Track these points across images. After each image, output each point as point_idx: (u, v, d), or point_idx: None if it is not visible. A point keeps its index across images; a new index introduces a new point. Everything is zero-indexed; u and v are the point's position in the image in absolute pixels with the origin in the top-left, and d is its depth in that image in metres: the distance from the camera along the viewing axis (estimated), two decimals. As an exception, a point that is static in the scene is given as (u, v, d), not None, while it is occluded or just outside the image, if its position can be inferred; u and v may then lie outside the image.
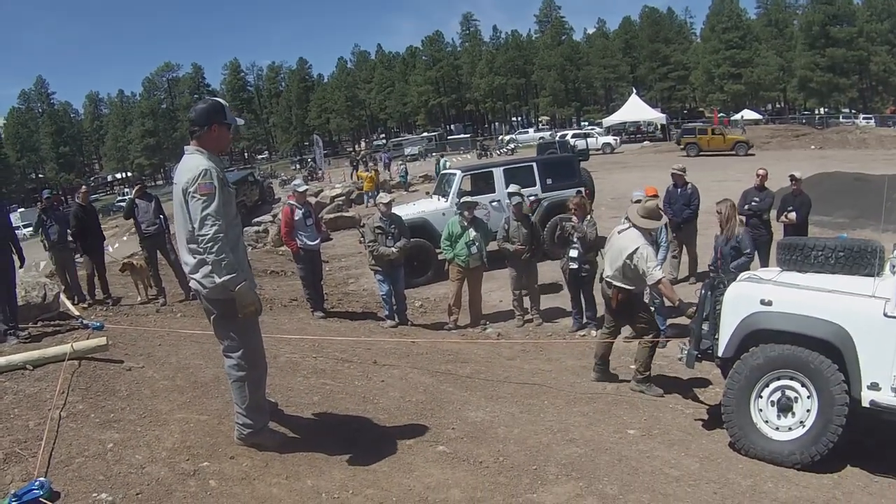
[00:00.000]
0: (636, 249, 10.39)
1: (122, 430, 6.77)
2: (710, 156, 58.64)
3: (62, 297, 13.98)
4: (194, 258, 6.36)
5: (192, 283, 6.56)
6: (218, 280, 6.20)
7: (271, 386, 7.66)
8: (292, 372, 9.61)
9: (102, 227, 18.16)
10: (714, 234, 14.16)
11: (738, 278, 9.62)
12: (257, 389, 6.73)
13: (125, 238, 28.03)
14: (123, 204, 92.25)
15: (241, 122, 7.34)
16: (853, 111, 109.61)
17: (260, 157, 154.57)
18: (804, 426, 8.16)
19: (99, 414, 7.12)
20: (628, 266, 10.52)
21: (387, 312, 15.45)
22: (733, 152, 61.07)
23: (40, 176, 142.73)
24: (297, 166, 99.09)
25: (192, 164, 6.29)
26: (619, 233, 11.00)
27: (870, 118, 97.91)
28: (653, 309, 12.73)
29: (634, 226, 10.77)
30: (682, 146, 64.74)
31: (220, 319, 6.55)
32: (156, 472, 6.07)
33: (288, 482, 6.25)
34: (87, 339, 9.33)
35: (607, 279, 10.99)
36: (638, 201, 13.04)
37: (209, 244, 6.10)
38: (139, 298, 16.71)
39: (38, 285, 13.00)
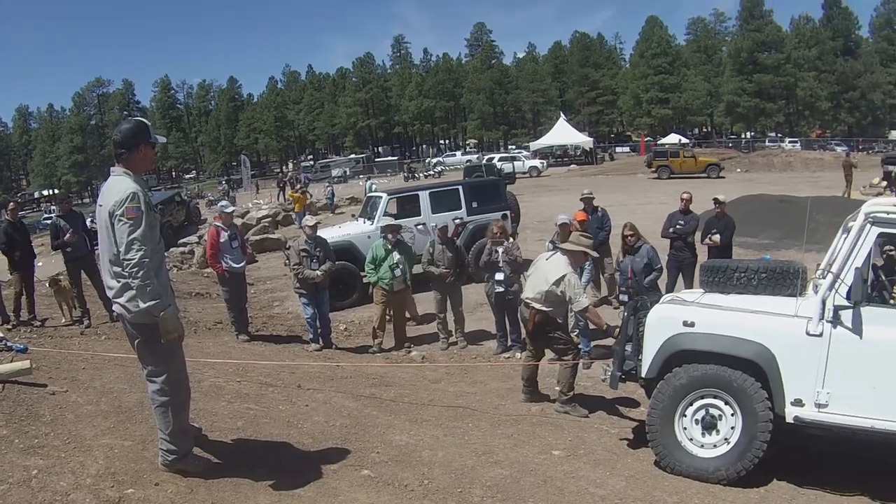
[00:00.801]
0: (563, 276, 10.64)
1: (46, 457, 6.71)
2: (682, 178, 58.28)
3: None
4: (118, 282, 6.33)
5: (116, 307, 6.50)
6: (142, 305, 6.17)
7: (195, 411, 7.64)
8: (216, 396, 9.58)
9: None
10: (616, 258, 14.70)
11: (661, 300, 9.82)
12: (181, 414, 6.68)
13: (52, 259, 27.41)
14: (49, 222, 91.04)
15: (162, 139, 7.36)
16: (779, 135, 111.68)
17: (188, 176, 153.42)
18: (729, 443, 8.43)
19: (23, 439, 7.05)
20: (553, 292, 10.72)
21: (311, 336, 15.44)
22: (705, 174, 60.97)
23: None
24: (225, 186, 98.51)
25: (120, 186, 6.26)
26: (546, 259, 11.24)
27: (796, 142, 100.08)
28: (576, 333, 12.96)
29: (562, 251, 11.04)
30: (653, 169, 64.39)
31: (144, 344, 6.50)
32: (81, 499, 5.98)
33: (214, 509, 6.22)
34: (11, 361, 9.29)
35: (526, 300, 11.16)
36: (563, 223, 13.42)
37: (134, 269, 6.08)
38: (63, 320, 16.39)
39: (-39, 307, 12.87)
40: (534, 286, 11.07)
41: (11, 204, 19.37)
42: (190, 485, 6.53)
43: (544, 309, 10.91)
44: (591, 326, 12.57)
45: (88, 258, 16.27)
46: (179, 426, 6.65)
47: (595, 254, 11.98)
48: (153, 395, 6.59)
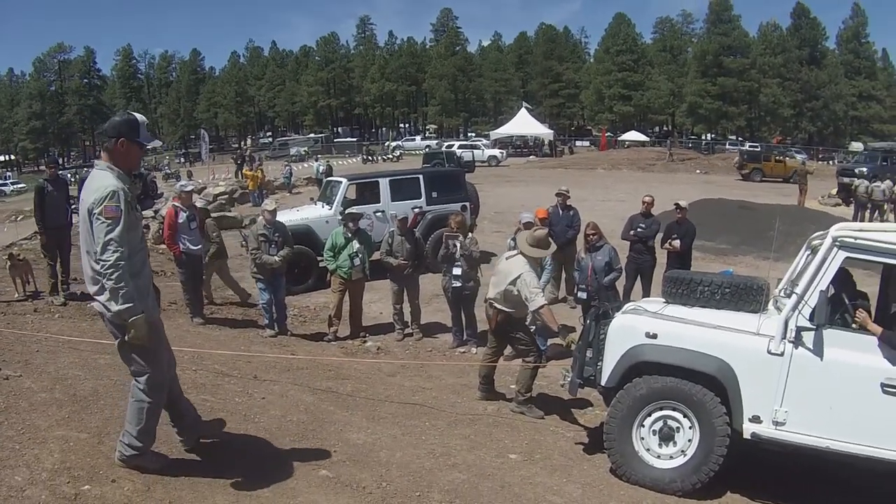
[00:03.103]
0: (520, 276, 10.65)
1: (0, 448, 6.59)
2: (771, 182, 58.66)
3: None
4: (99, 279, 6.17)
5: (97, 305, 6.31)
6: (114, 308, 6.02)
7: (150, 400, 7.51)
8: (172, 385, 9.43)
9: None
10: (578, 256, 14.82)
11: (623, 308, 9.81)
12: (154, 415, 6.56)
13: (4, 227, 26.74)
14: (5, 188, 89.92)
15: (157, 143, 7.17)
16: (740, 139, 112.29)
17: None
18: (685, 455, 8.47)
19: (-24, 427, 6.88)
20: (510, 291, 10.77)
21: (266, 321, 15.34)
22: (791, 179, 59.47)
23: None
24: (182, 160, 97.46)
25: (101, 182, 6.08)
26: (506, 258, 11.31)
27: (756, 146, 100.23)
28: (533, 329, 12.96)
29: (522, 253, 11.00)
30: (745, 170, 63.97)
31: (126, 344, 6.31)
32: (36, 495, 5.86)
33: (171, 509, 6.11)
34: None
35: (489, 300, 11.21)
36: (528, 223, 13.41)
37: (109, 271, 5.91)
38: (16, 294, 16.00)
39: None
40: (495, 285, 11.13)
41: None
42: (147, 482, 6.40)
43: (506, 309, 10.98)
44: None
45: (66, 230, 15.85)
46: (150, 425, 6.54)
47: (553, 247, 11.96)
48: (135, 392, 6.46)
